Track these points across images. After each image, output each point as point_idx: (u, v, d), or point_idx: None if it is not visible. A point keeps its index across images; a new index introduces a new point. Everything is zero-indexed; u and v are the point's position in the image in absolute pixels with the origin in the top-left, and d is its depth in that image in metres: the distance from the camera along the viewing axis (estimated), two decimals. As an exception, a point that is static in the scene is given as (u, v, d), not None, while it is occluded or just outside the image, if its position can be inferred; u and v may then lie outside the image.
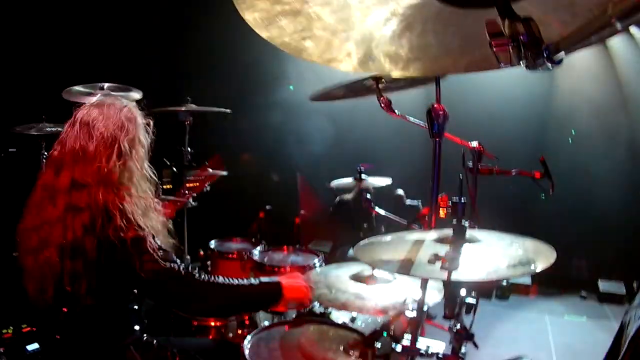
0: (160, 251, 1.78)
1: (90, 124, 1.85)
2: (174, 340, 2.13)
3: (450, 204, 1.76)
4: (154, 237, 1.81)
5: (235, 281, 1.90)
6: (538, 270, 1.29)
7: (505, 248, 1.48)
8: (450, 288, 1.51)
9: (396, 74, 1.20)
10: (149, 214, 1.91)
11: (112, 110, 1.91)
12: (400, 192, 5.30)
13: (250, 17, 1.09)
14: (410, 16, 1.08)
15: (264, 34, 1.12)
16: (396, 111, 2.18)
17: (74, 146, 1.82)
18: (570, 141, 5.91)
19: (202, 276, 1.83)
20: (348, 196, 5.37)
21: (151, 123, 2.05)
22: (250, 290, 1.93)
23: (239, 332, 2.81)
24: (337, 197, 5.35)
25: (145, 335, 2.00)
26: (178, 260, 1.84)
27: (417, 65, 1.19)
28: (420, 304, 1.70)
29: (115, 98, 2.02)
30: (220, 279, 1.87)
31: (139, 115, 1.99)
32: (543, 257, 1.37)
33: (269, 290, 1.97)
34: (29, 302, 1.89)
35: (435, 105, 1.73)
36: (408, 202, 4.97)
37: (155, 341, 2.01)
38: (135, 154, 1.90)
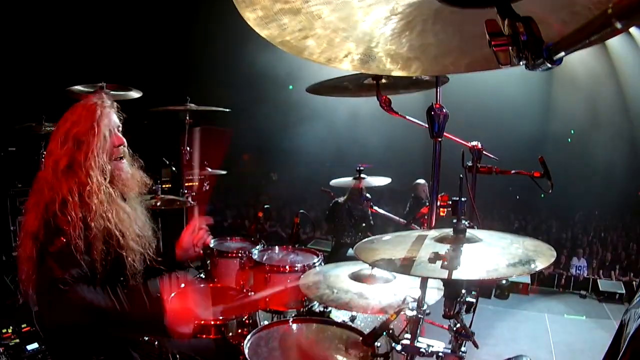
0: (72, 248, 1.70)
1: (58, 124, 1.96)
2: (174, 341, 2.13)
3: (450, 203, 1.77)
4: (80, 229, 1.74)
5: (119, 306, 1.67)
6: (539, 268, 1.29)
7: (505, 247, 1.48)
8: (450, 287, 1.51)
9: (396, 73, 1.20)
10: (94, 200, 1.84)
11: (79, 107, 1.96)
12: (421, 181, 5.23)
13: (250, 15, 1.09)
14: (410, 15, 1.08)
15: (263, 32, 1.12)
16: (396, 111, 2.17)
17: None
18: (569, 140, 5.92)
19: (83, 292, 1.64)
20: (342, 199, 5.35)
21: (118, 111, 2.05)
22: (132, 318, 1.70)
23: (239, 331, 2.81)
24: (332, 200, 5.33)
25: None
26: (82, 269, 1.71)
27: (417, 64, 1.19)
28: (420, 303, 1.70)
29: (97, 96, 2.03)
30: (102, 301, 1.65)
31: (100, 106, 1.96)
32: (543, 256, 1.37)
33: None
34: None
35: (436, 105, 1.73)
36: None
37: (155, 342, 2.01)
38: (90, 144, 1.89)
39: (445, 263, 1.32)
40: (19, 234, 1.96)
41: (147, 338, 2.00)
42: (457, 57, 1.16)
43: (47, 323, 1.68)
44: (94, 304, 1.63)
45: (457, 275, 1.28)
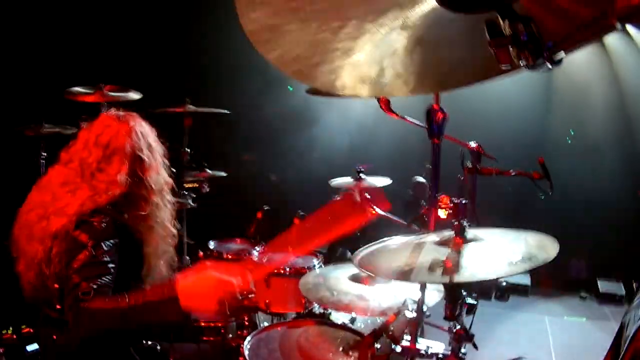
0: (96, 258, 1.65)
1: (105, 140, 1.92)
2: (176, 345, 2.13)
3: (450, 205, 1.76)
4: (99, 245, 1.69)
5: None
6: (543, 263, 1.28)
7: (507, 245, 1.47)
8: (451, 290, 1.50)
9: (407, 92, 1.15)
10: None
11: (132, 119, 2.02)
12: (420, 179, 5.17)
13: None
14: (420, 29, 1.04)
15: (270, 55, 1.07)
16: (395, 111, 2.17)
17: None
18: (568, 141, 5.91)
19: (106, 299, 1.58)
20: (336, 197, 5.32)
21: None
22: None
23: (239, 332, 2.81)
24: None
25: (147, 341, 1.99)
26: (107, 276, 1.65)
27: (429, 81, 1.15)
28: (420, 304, 1.70)
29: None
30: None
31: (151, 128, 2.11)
32: (546, 249, 1.36)
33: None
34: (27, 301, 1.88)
35: (435, 106, 1.73)
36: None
37: (157, 346, 2.01)
38: (149, 162, 2.06)
39: (447, 267, 1.32)
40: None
41: (149, 342, 1.99)
42: (469, 68, 1.12)
43: (82, 333, 1.59)
44: (113, 308, 1.56)
45: (459, 278, 1.28)
